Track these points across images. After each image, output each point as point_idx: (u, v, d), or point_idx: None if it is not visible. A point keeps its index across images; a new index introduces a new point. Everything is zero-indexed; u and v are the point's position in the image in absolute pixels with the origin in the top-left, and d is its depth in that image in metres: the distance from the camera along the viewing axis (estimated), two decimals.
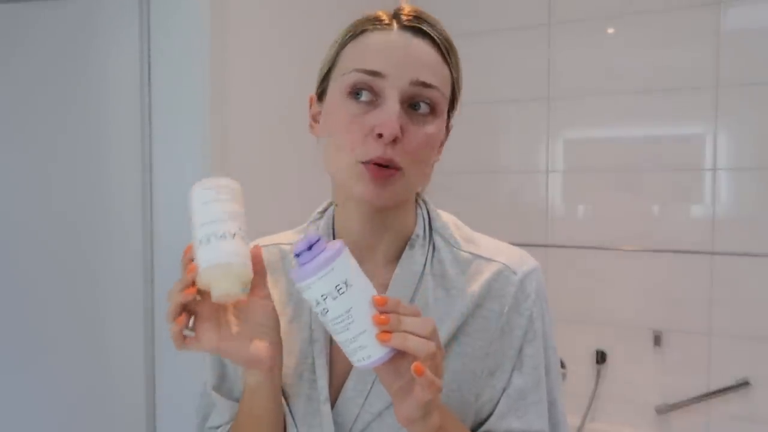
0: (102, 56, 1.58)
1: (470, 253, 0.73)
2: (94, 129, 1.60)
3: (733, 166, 2.03)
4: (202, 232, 0.60)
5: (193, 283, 0.59)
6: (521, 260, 0.74)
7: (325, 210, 0.79)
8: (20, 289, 1.65)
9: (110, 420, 1.59)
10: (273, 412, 0.68)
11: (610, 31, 2.18)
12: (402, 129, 0.63)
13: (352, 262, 0.57)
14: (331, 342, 0.71)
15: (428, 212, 0.77)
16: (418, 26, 0.67)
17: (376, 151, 0.63)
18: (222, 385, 0.77)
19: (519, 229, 2.31)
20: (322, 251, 0.56)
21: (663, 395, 2.10)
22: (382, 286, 0.71)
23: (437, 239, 0.74)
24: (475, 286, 0.71)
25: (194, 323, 0.61)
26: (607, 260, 2.19)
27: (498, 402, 0.70)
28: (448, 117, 0.72)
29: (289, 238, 0.80)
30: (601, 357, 2.20)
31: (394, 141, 0.63)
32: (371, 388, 0.69)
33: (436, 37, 0.67)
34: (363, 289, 0.56)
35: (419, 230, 0.74)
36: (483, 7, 2.36)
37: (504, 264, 0.72)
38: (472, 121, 2.38)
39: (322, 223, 0.77)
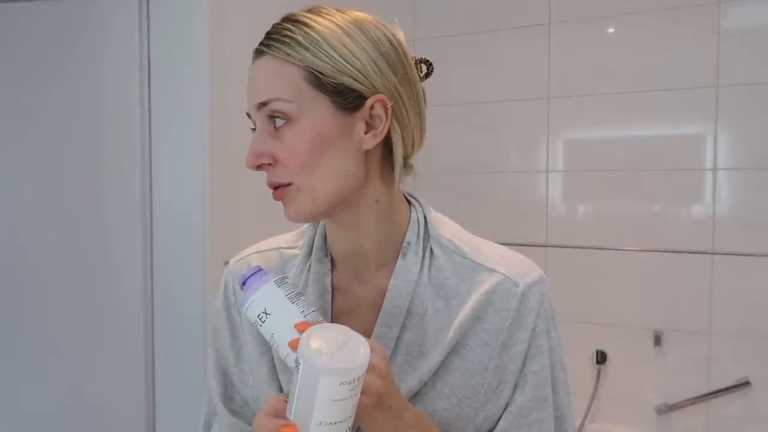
0: (102, 56, 1.58)
1: (472, 260, 0.70)
2: (94, 129, 1.60)
3: (733, 166, 2.03)
4: None
5: None
6: (525, 271, 0.70)
7: None
8: (20, 289, 1.65)
9: (110, 420, 1.59)
10: None
11: (610, 31, 2.18)
12: (272, 152, 0.66)
13: (276, 293, 0.61)
14: None
15: (424, 216, 0.74)
16: (261, 48, 0.68)
17: (266, 179, 0.68)
18: (224, 393, 0.76)
19: (519, 229, 2.31)
20: (249, 286, 0.62)
21: (663, 395, 2.10)
22: (381, 292, 0.70)
23: (434, 245, 0.71)
24: (475, 297, 0.68)
25: None
26: (607, 260, 2.18)
27: (499, 419, 0.68)
28: (358, 97, 0.65)
29: (288, 241, 0.79)
30: (601, 357, 2.20)
31: (271, 165, 0.66)
32: None
33: (268, 49, 0.67)
34: (284, 317, 0.60)
35: (411, 236, 0.71)
36: (483, 7, 2.35)
37: (505, 275, 0.69)
38: (472, 120, 2.38)
39: (319, 227, 0.76)
